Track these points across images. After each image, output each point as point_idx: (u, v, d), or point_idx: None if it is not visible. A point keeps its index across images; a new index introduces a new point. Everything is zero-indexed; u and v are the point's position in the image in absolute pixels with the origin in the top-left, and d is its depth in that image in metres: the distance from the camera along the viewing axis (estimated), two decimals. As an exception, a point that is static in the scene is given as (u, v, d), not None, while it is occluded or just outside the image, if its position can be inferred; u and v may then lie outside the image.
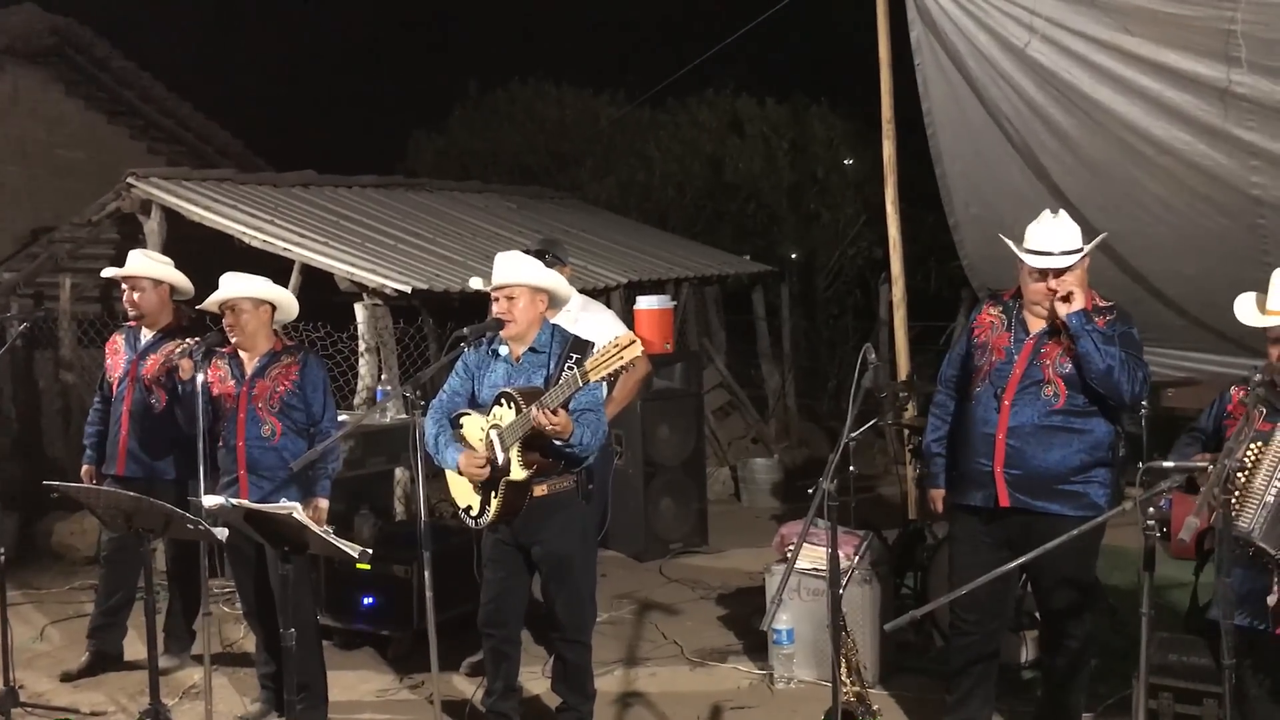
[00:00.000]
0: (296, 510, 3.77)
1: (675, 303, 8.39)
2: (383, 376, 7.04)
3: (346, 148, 14.60)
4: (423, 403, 4.18)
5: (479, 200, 10.49)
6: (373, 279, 6.92)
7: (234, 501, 3.95)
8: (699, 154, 13.30)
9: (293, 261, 7.31)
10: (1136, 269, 7.32)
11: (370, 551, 3.86)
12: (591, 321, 5.25)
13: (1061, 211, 4.18)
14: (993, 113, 7.28)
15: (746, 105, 13.36)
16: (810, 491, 3.45)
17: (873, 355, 3.66)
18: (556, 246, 5.30)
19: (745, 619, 6.18)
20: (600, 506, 5.32)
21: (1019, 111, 7.08)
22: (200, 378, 4.67)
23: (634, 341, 3.83)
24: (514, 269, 4.40)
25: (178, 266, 5.64)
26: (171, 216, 7.77)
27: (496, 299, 4.39)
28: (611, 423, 7.71)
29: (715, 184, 13.25)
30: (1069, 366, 4.08)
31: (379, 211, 8.93)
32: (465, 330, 4.35)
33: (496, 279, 4.39)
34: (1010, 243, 4.18)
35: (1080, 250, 4.07)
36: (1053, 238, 4.06)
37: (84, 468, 5.64)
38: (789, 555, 5.38)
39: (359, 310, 7.09)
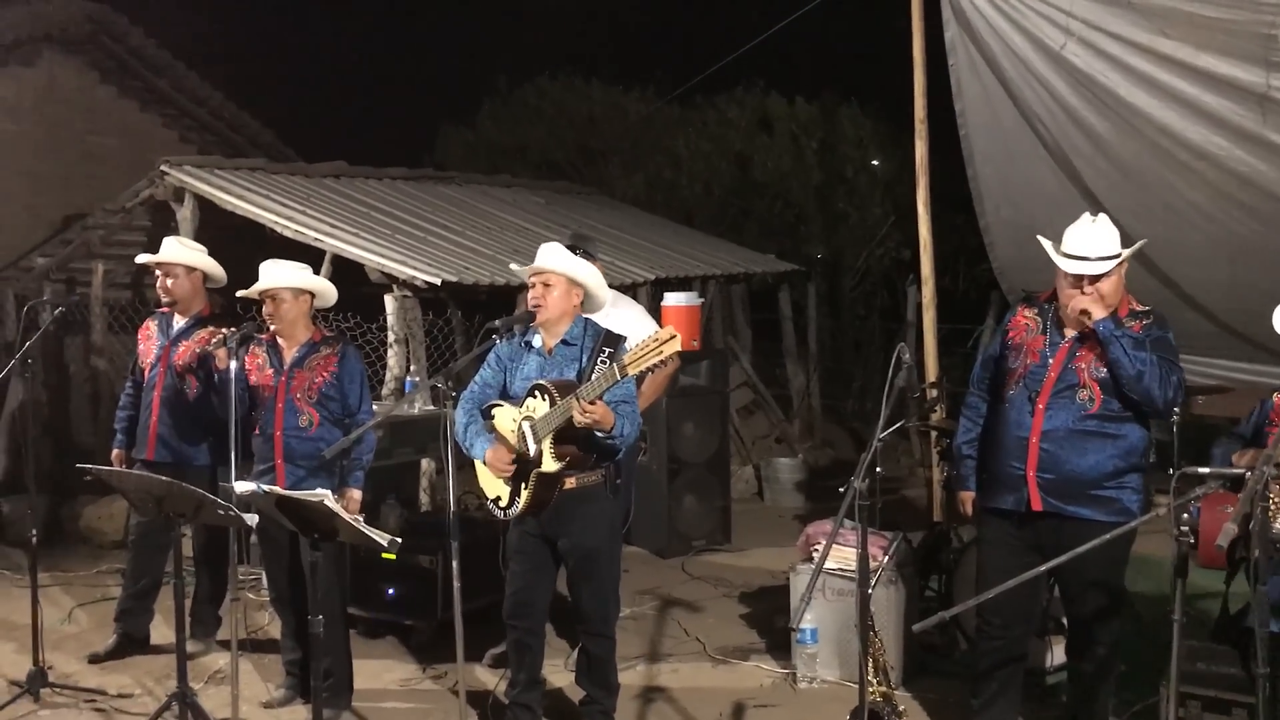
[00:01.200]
0: (328, 497, 3.79)
1: (702, 300, 8.38)
2: (411, 368, 7.07)
3: (375, 140, 14.65)
4: (454, 394, 4.19)
5: (507, 195, 10.52)
6: (403, 270, 6.95)
7: (265, 488, 3.97)
8: (727, 152, 13.29)
9: (323, 252, 7.34)
10: (1168, 275, 7.27)
11: (400, 540, 3.87)
12: (622, 316, 5.25)
13: (1101, 215, 4.15)
14: (1026, 115, 7.25)
15: (775, 104, 13.33)
16: (841, 491, 3.44)
17: (907, 355, 3.65)
18: (588, 242, 5.31)
19: (768, 617, 6.17)
20: (625, 500, 5.32)
21: (1053, 114, 7.05)
22: (234, 365, 4.69)
23: (674, 337, 3.83)
24: (554, 257, 4.40)
25: (210, 254, 5.68)
26: (204, 205, 7.82)
27: (532, 284, 4.39)
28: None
29: (743, 182, 13.23)
30: (1104, 371, 4.05)
31: (408, 204, 8.96)
32: (497, 322, 4.36)
33: (537, 263, 4.40)
34: (1047, 244, 4.15)
35: (1117, 256, 4.04)
36: (1090, 242, 4.04)
37: (114, 452, 5.69)
38: (815, 555, 5.39)
39: (389, 301, 7.13)
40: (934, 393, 6.58)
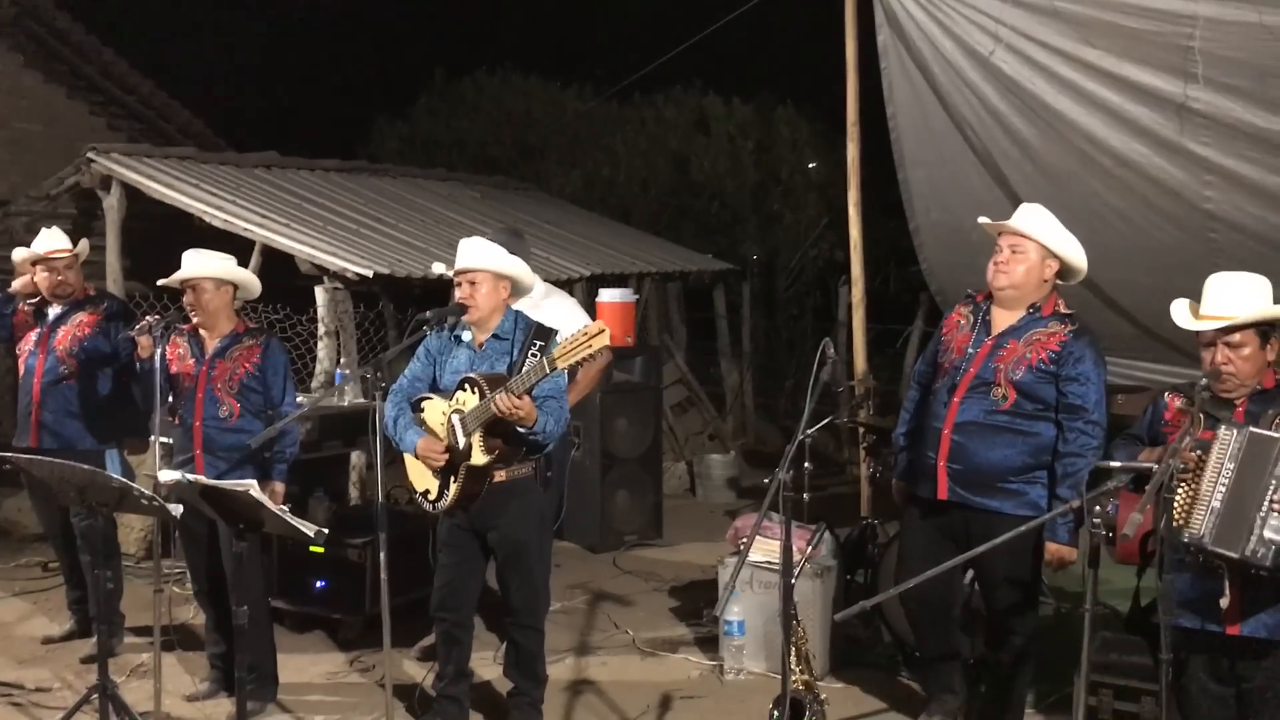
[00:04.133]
0: (253, 487, 3.76)
1: (637, 297, 8.42)
2: (341, 360, 7.02)
3: (309, 132, 14.50)
4: (383, 385, 4.18)
5: (443, 188, 10.47)
6: (334, 262, 6.89)
7: (190, 477, 3.93)
8: (664, 151, 13.37)
9: (253, 242, 7.26)
10: (1091, 278, 7.21)
11: (326, 532, 3.86)
12: (555, 309, 5.27)
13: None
14: (955, 119, 7.34)
15: (713, 104, 13.43)
16: (766, 482, 3.49)
17: (831, 350, 3.72)
18: (514, 240, 5.31)
19: (697, 611, 6.22)
20: (557, 494, 5.34)
21: (981, 119, 7.15)
22: (158, 353, 4.64)
23: (603, 330, 3.86)
24: (477, 254, 4.41)
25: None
26: (131, 193, 7.70)
27: (459, 284, 4.40)
28: (570, 413, 7.82)
29: (680, 181, 13.30)
30: (1021, 373, 4.12)
31: (342, 195, 8.89)
32: (428, 314, 4.36)
33: (459, 264, 4.40)
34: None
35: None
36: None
37: None
38: (742, 547, 5.46)
39: (319, 293, 7.07)
40: (861, 390, 6.68)
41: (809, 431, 3.85)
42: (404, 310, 8.61)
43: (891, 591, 3.83)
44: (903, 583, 3.71)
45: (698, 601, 6.38)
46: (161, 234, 7.05)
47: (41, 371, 5.48)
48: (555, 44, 16.52)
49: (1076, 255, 4.23)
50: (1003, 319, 4.24)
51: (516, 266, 4.49)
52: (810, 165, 13.13)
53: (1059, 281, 4.27)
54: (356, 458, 7.01)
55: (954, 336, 4.34)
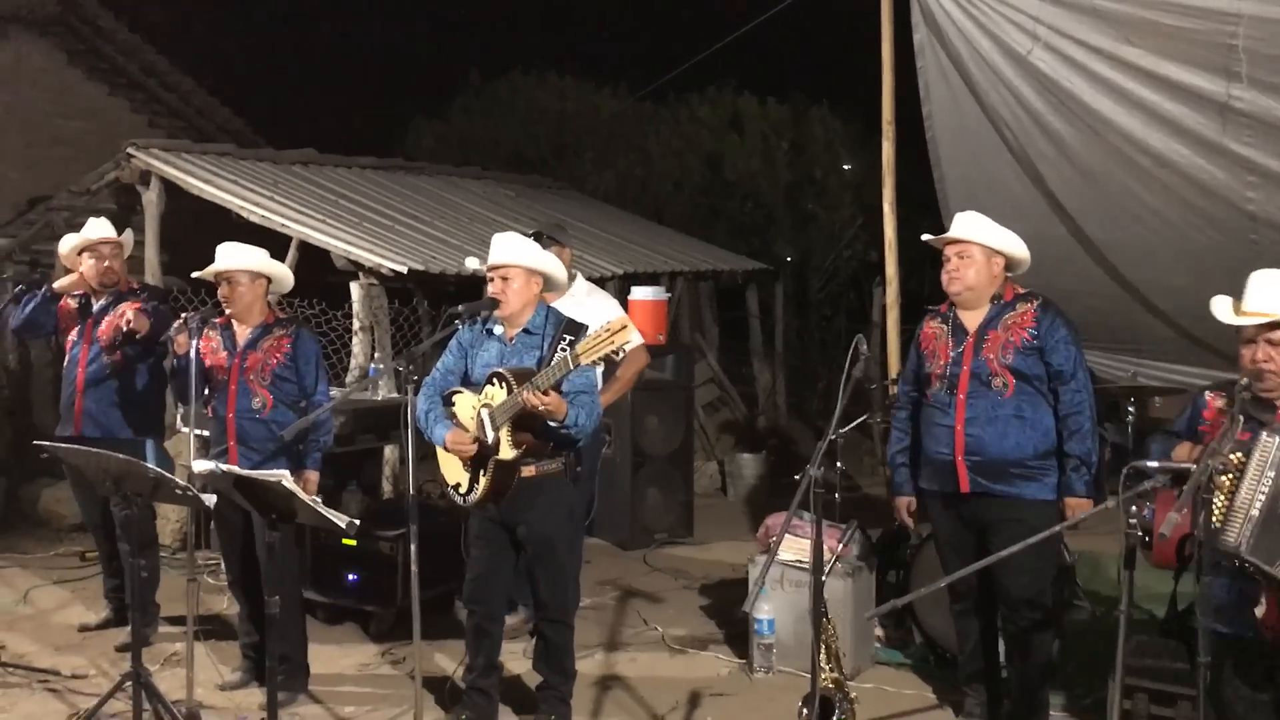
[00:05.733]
0: (286, 478, 3.78)
1: (669, 296, 8.41)
2: (375, 355, 7.06)
3: (347, 131, 14.59)
4: (415, 378, 4.20)
5: (477, 186, 10.51)
6: (369, 258, 6.93)
7: (224, 467, 3.96)
8: (698, 151, 13.33)
9: (289, 238, 7.32)
10: (1130, 280, 7.35)
11: (358, 523, 3.87)
12: (597, 308, 5.28)
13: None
14: (992, 118, 7.29)
15: (747, 103, 13.39)
16: (797, 479, 3.48)
17: (864, 346, 3.70)
18: (558, 230, 5.33)
19: (727, 609, 6.21)
20: (587, 491, 5.35)
21: (1018, 118, 7.09)
22: (194, 347, 4.69)
23: (625, 326, 3.86)
24: (510, 249, 4.42)
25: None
26: (170, 188, 7.78)
27: (491, 279, 4.41)
28: (603, 411, 7.83)
29: (713, 181, 13.27)
30: (1011, 357, 4.32)
31: (378, 193, 8.94)
32: (460, 308, 4.37)
33: (492, 259, 4.42)
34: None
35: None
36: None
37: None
38: (772, 545, 5.44)
39: (354, 289, 7.11)
40: (894, 390, 6.63)
41: (841, 430, 3.84)
42: (438, 306, 8.65)
43: (923, 591, 3.82)
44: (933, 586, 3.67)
45: (727, 600, 6.38)
46: (200, 229, 7.11)
47: (85, 362, 5.56)
48: (590, 44, 16.55)
49: (1017, 248, 4.45)
50: (972, 318, 4.46)
51: (549, 262, 4.50)
52: (845, 166, 13.07)
53: (1009, 274, 4.51)
54: (390, 452, 7.05)
55: (935, 346, 4.55)
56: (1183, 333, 7.48)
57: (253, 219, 7.34)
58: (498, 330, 4.46)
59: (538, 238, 4.88)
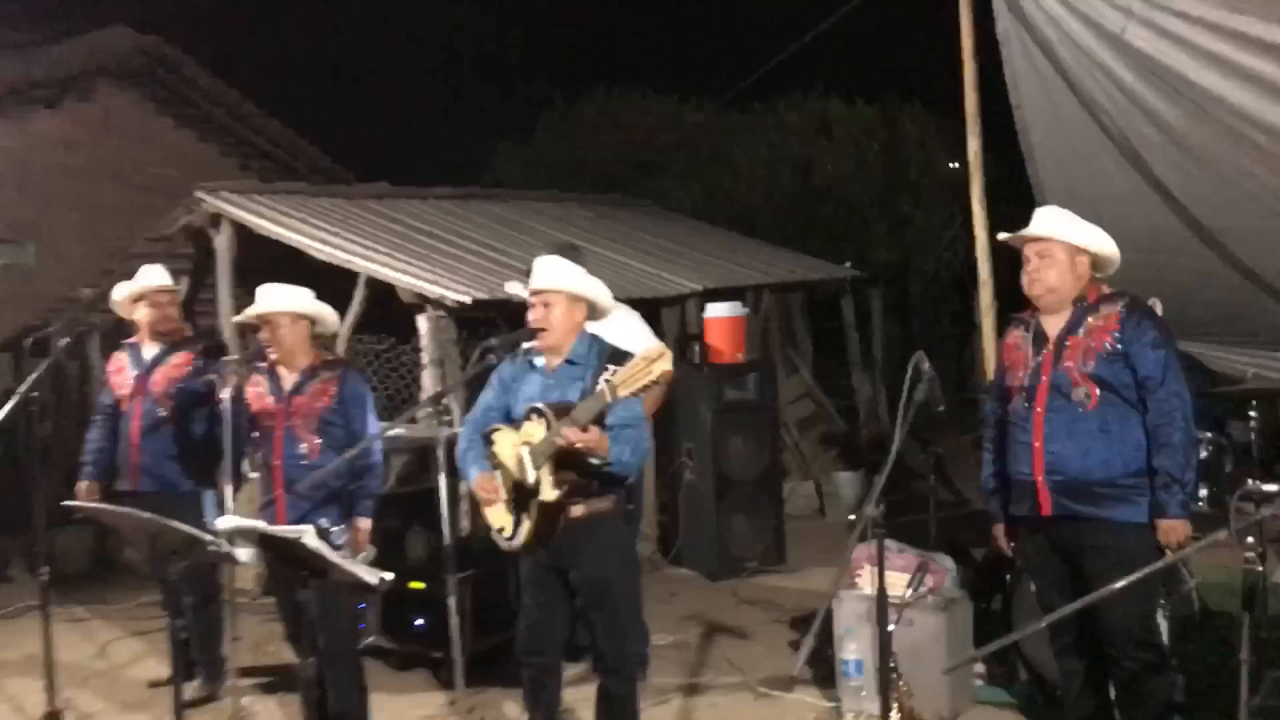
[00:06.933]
0: (308, 534, 3.56)
1: (747, 310, 8.05)
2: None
3: (435, 161, 14.65)
4: (448, 417, 3.96)
5: (555, 209, 10.32)
6: (433, 289, 6.76)
7: (248, 523, 3.76)
8: (786, 158, 12.96)
9: (357, 275, 7.21)
10: (1250, 267, 6.79)
11: (389, 577, 3.62)
12: (616, 324, 4.97)
13: None
14: (1087, 105, 6.82)
15: (835, 106, 12.99)
16: (852, 519, 3.12)
17: (926, 364, 3.31)
18: (574, 254, 5.04)
19: (818, 646, 5.81)
20: (635, 528, 5.05)
21: (1116, 102, 6.61)
22: (227, 393, 4.54)
23: (663, 354, 3.55)
24: (552, 274, 4.15)
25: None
26: (241, 230, 7.74)
27: (532, 305, 4.15)
28: (682, 437, 7.55)
29: (803, 188, 12.89)
30: (1093, 364, 3.93)
31: (451, 222, 8.81)
32: (494, 340, 4.12)
33: (533, 284, 4.15)
34: None
35: None
36: None
37: (82, 484, 5.53)
38: (859, 580, 5.06)
39: (421, 322, 6.95)
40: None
41: (936, 451, 3.44)
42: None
43: (1005, 640, 3.40)
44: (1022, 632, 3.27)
45: (820, 634, 5.97)
46: (273, 270, 7.03)
47: (140, 415, 5.47)
48: (671, 58, 16.31)
49: (1104, 245, 4.08)
50: (1054, 324, 4.09)
51: (594, 288, 4.21)
52: (952, 165, 12.54)
53: (1097, 275, 4.12)
54: (463, 488, 6.84)
55: (1015, 357, 4.19)
56: (1313, 323, 6.87)
57: (319, 257, 7.24)
58: (539, 362, 4.19)
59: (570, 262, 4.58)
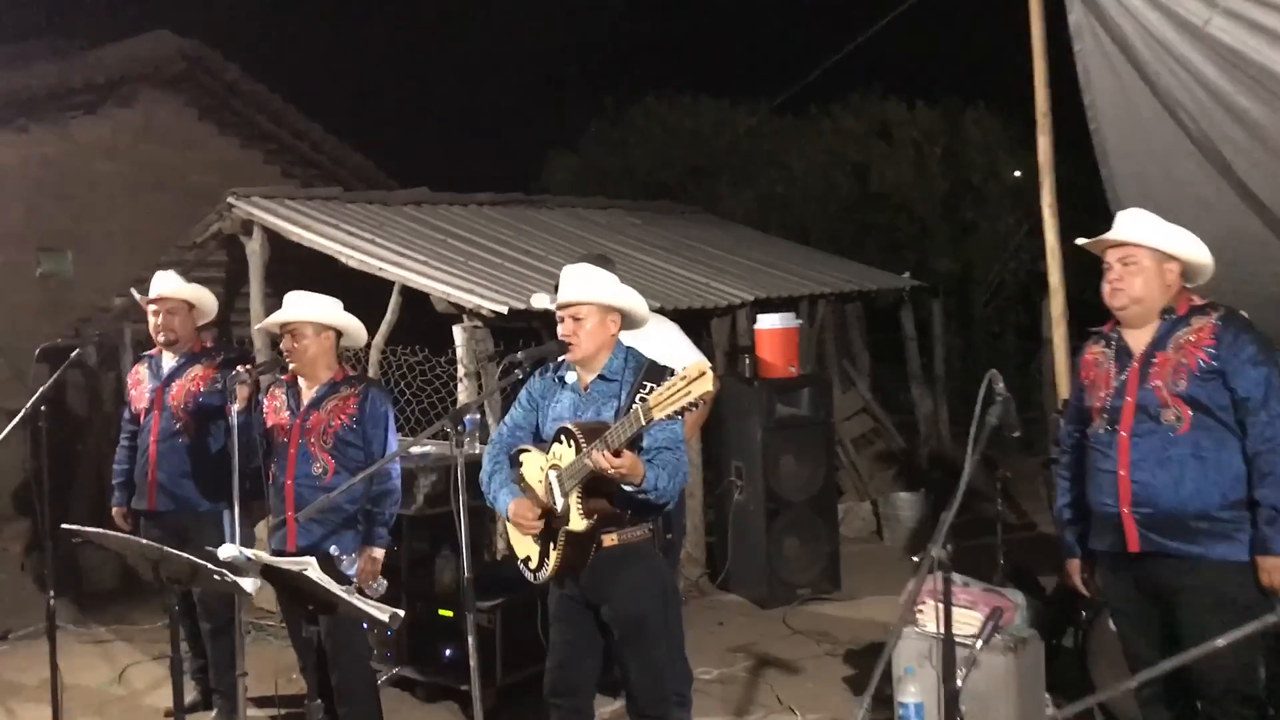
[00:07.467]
0: (311, 566, 3.25)
1: (801, 321, 7.65)
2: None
3: (484, 170, 14.37)
4: (466, 437, 3.62)
5: (601, 217, 9.97)
6: (468, 299, 6.44)
7: (250, 554, 3.45)
8: (843, 163, 12.53)
9: (392, 283, 6.91)
10: (1346, 277, 6.28)
11: (401, 614, 3.29)
12: (655, 337, 4.62)
13: None
14: (1166, 103, 6.39)
15: (894, 109, 12.53)
16: (916, 560, 2.73)
17: (1000, 385, 2.91)
18: (601, 262, 4.68)
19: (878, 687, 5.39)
20: (674, 559, 4.68)
21: (1198, 100, 6.18)
22: (235, 408, 4.25)
23: (704, 373, 3.19)
24: (582, 285, 3.81)
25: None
26: (274, 237, 7.48)
27: (562, 319, 3.80)
28: (731, 455, 7.16)
29: (861, 195, 12.45)
30: (1184, 384, 3.55)
31: (492, 229, 8.50)
32: (519, 355, 3.78)
33: (562, 296, 3.82)
34: None
35: None
36: None
37: (114, 509, 5.32)
38: (920, 616, 4.66)
39: (457, 332, 6.63)
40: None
41: (1004, 473, 3.04)
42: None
43: (1097, 697, 2.98)
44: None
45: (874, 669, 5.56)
46: (308, 277, 6.77)
47: (157, 430, 5.20)
48: (723, 61, 15.94)
49: (1195, 251, 3.70)
50: (1140, 338, 3.71)
51: (627, 297, 3.86)
52: (1015, 174, 12.06)
53: (1187, 284, 3.75)
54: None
55: (1095, 375, 3.78)
56: None
57: (351, 264, 6.96)
58: (570, 378, 3.84)
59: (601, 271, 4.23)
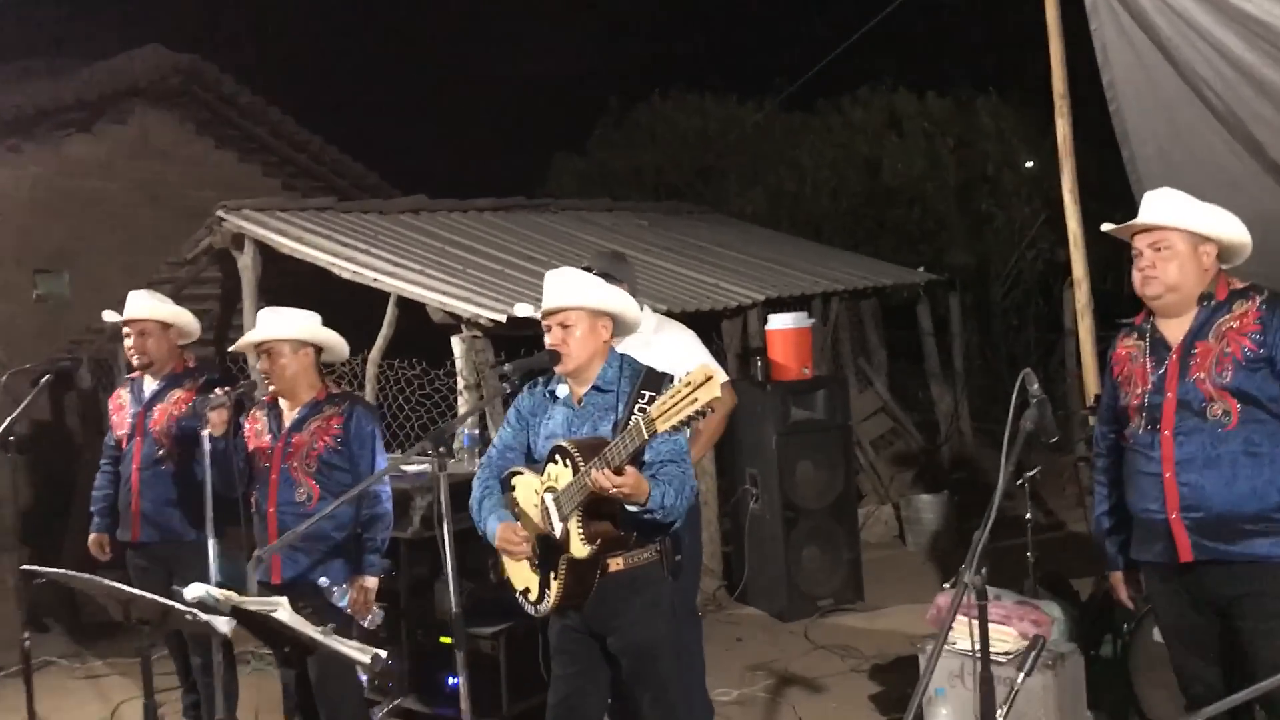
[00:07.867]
0: (282, 607, 2.98)
1: (814, 320, 7.36)
2: (469, 419, 6.26)
3: (488, 174, 14.13)
4: (465, 454, 3.36)
5: (607, 219, 9.71)
6: (464, 307, 6.18)
7: (219, 594, 3.18)
8: (854, 157, 12.24)
9: (388, 294, 6.67)
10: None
11: (383, 655, 3.02)
12: (667, 345, 4.34)
13: None
14: (1189, 79, 6.10)
15: (904, 100, 12.23)
16: (947, 587, 2.45)
17: (1035, 385, 2.63)
18: (614, 262, 4.40)
19: (899, 699, 5.12)
20: (692, 581, 4.40)
21: (1222, 75, 5.88)
22: (206, 434, 4.00)
23: (710, 378, 2.91)
24: (567, 289, 3.53)
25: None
26: (266, 250, 7.25)
27: (549, 328, 3.53)
28: (745, 462, 6.89)
29: (873, 189, 12.16)
30: (1231, 375, 3.25)
31: (492, 235, 8.25)
32: (507, 368, 3.51)
33: (547, 303, 3.54)
34: None
35: None
36: None
37: (92, 536, 5.07)
38: (934, 644, 4.36)
39: (456, 343, 6.37)
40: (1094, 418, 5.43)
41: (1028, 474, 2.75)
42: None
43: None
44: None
45: (901, 685, 5.29)
46: (304, 291, 6.55)
47: (139, 456, 4.95)
48: (729, 58, 15.66)
49: (1231, 229, 3.38)
50: (1176, 328, 3.41)
51: (617, 300, 3.59)
52: (1027, 165, 11.75)
53: (1224, 266, 3.45)
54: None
55: (1130, 370, 3.48)
56: None
57: (344, 275, 6.72)
58: (562, 392, 3.57)
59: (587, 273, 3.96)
